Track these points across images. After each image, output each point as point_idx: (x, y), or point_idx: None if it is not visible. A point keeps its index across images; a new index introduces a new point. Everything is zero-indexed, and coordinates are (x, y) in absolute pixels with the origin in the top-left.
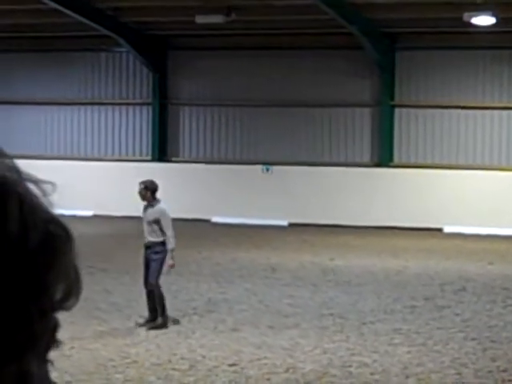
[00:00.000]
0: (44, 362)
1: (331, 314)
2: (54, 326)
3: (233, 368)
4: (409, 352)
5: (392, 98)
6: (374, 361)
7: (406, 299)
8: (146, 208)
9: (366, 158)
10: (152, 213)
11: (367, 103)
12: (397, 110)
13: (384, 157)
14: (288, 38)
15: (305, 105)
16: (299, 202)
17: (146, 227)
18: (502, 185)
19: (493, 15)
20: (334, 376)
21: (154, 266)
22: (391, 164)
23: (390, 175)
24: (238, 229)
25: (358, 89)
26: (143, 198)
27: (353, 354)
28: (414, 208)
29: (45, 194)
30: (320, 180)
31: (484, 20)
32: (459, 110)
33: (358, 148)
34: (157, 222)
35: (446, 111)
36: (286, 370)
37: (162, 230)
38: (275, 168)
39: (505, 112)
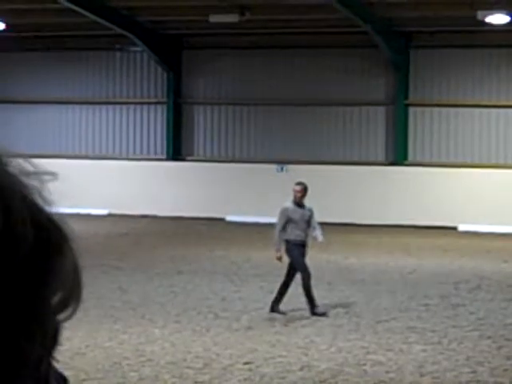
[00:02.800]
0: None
1: (346, 313)
2: (52, 342)
3: (247, 366)
4: (424, 350)
5: (406, 97)
6: (389, 359)
7: (420, 297)
8: (295, 207)
9: (381, 157)
10: (307, 212)
11: (382, 102)
12: (411, 109)
13: (398, 155)
14: (302, 38)
15: (319, 103)
16: (314, 200)
17: (302, 225)
18: None
19: (507, 14)
20: (349, 374)
21: (305, 260)
22: (406, 162)
23: (405, 174)
24: (253, 227)
25: (373, 87)
26: (300, 198)
27: (368, 353)
28: (428, 206)
29: (44, 191)
30: (335, 179)
31: (498, 18)
32: (473, 109)
33: (372, 147)
34: (310, 220)
35: (460, 110)
36: (301, 369)
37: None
38: (289, 167)
39: None
